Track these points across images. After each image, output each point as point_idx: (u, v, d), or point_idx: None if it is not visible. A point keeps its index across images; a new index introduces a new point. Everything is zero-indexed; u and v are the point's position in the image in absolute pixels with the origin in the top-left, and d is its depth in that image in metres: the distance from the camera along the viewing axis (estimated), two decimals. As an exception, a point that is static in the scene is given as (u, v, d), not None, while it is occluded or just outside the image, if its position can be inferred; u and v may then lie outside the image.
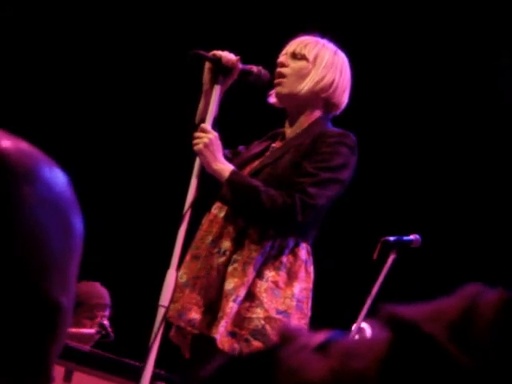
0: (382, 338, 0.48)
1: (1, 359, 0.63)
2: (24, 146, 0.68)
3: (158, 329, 2.67)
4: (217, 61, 2.87)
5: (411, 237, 3.65)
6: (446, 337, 0.47)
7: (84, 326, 4.17)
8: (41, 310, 0.65)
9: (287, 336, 0.51)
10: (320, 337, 0.51)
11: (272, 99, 3.01)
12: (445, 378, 0.46)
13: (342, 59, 2.97)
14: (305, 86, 2.90)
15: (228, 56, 2.88)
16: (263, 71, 2.95)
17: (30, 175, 0.66)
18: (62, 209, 0.68)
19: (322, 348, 0.50)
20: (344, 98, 2.97)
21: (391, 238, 3.63)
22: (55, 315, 0.66)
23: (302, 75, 2.91)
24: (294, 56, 2.94)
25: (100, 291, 4.25)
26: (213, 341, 2.71)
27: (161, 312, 2.70)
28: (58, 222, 0.67)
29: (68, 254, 0.68)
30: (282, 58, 2.95)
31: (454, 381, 0.46)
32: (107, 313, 4.27)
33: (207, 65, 2.91)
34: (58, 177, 0.69)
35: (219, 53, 2.88)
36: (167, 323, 2.79)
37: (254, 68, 2.94)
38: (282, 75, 2.93)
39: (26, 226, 0.65)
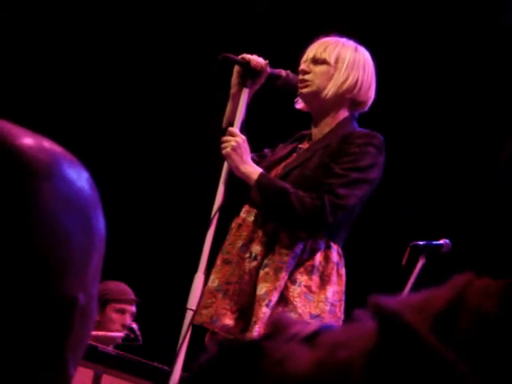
0: (369, 329, 0.47)
1: (15, 356, 0.63)
2: (45, 143, 0.68)
3: (186, 332, 2.68)
4: (246, 64, 2.87)
5: (441, 241, 3.62)
6: (428, 328, 0.46)
7: (113, 321, 4.24)
8: (56, 306, 0.65)
9: (278, 327, 0.51)
10: (310, 327, 0.50)
11: (299, 105, 3.00)
12: (425, 370, 0.45)
13: (363, 55, 2.94)
14: (329, 90, 2.88)
15: (257, 59, 2.88)
16: (291, 75, 2.94)
17: (49, 172, 0.66)
18: (81, 206, 0.67)
19: (311, 339, 0.49)
20: (370, 94, 2.95)
21: (420, 243, 3.60)
22: (71, 311, 0.66)
23: (325, 79, 2.89)
24: (315, 61, 2.91)
25: (126, 289, 4.35)
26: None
27: (188, 315, 2.70)
28: (78, 219, 0.67)
29: (87, 252, 0.67)
30: (303, 66, 2.93)
31: (434, 373, 0.45)
32: (134, 308, 4.35)
33: (236, 68, 2.91)
34: (78, 174, 0.68)
35: (248, 56, 2.88)
36: (198, 328, 2.79)
37: (283, 72, 2.94)
38: (306, 83, 2.91)
39: (43, 221, 0.65)
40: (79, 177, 0.69)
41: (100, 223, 0.69)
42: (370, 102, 2.96)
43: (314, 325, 0.51)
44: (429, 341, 0.45)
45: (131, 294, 4.37)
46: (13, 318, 0.63)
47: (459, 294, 0.48)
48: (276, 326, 0.51)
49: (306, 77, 2.91)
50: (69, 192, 0.67)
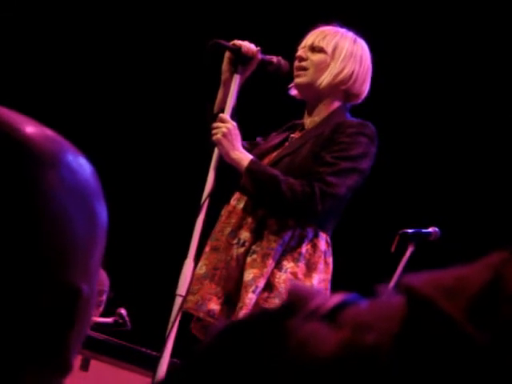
0: (397, 309, 0.46)
1: (17, 346, 0.63)
2: (49, 132, 0.68)
3: (175, 318, 2.68)
4: (237, 50, 2.86)
5: (430, 229, 3.63)
6: (464, 315, 0.44)
7: None
8: (60, 296, 0.65)
9: (296, 300, 0.49)
10: (330, 302, 0.48)
11: (293, 91, 3.00)
12: (459, 356, 0.44)
13: (361, 48, 2.93)
14: (324, 80, 2.88)
15: (248, 46, 2.87)
16: (283, 61, 2.93)
17: (54, 160, 0.66)
18: (86, 196, 0.68)
19: (332, 316, 0.48)
20: (364, 88, 2.94)
21: (409, 231, 3.61)
22: (75, 301, 0.65)
23: (321, 68, 2.89)
24: (313, 49, 2.91)
25: (100, 277, 4.32)
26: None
27: (178, 301, 2.70)
28: (82, 208, 0.67)
29: (91, 242, 0.67)
30: (300, 52, 2.93)
31: (469, 359, 0.43)
32: (103, 298, 4.37)
33: (227, 54, 2.90)
34: (82, 164, 0.69)
35: (239, 42, 2.88)
36: (186, 314, 2.79)
37: (274, 58, 2.93)
38: (302, 69, 2.90)
39: (49, 209, 0.64)
40: (84, 167, 0.69)
41: (103, 215, 0.69)
42: (363, 96, 2.96)
43: (335, 299, 0.49)
44: (466, 330, 0.44)
45: (102, 285, 4.34)
46: (16, 306, 0.63)
47: (496, 276, 0.45)
48: (294, 300, 0.49)
49: (303, 63, 2.91)
50: (74, 181, 0.67)
